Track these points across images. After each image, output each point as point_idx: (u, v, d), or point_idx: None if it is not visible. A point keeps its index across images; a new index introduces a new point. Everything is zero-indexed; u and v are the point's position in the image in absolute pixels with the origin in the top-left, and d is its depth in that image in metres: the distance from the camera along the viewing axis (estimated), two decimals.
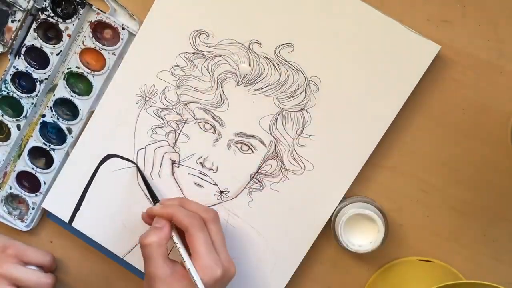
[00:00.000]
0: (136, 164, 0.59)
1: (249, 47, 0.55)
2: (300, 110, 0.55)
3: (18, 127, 0.62)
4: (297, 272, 0.58)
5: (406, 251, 0.57)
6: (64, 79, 0.60)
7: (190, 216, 0.52)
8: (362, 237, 0.54)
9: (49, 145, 0.62)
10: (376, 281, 0.58)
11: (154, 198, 0.57)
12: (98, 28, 0.59)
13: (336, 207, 0.56)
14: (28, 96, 0.61)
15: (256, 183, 0.58)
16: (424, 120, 0.55)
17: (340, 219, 0.53)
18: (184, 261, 0.50)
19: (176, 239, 0.52)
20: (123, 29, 0.58)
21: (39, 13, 0.59)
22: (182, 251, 0.51)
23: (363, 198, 0.57)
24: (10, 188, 0.64)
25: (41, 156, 0.63)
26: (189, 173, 0.58)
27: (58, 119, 0.61)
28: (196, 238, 0.50)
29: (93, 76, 0.60)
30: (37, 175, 0.63)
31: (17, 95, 0.61)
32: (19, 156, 0.63)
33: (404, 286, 0.58)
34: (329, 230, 0.58)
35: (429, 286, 0.47)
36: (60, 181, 0.61)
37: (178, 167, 0.59)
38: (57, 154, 0.62)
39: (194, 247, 0.50)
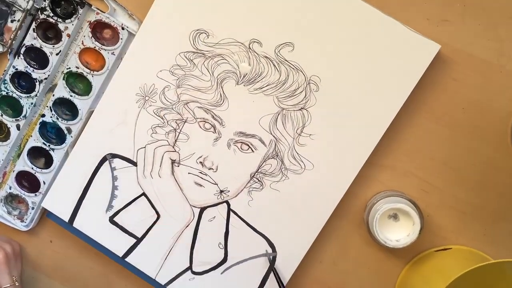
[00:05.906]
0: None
1: (249, 46, 0.55)
2: (300, 109, 0.55)
3: (18, 127, 0.62)
4: (297, 272, 0.58)
5: (407, 250, 0.57)
6: (63, 79, 0.60)
7: None
8: (396, 231, 0.52)
9: (49, 145, 0.62)
10: (407, 275, 0.58)
11: None
12: (98, 28, 0.59)
13: (367, 204, 0.55)
14: (27, 96, 0.61)
15: (256, 182, 0.58)
16: (424, 119, 0.55)
17: (373, 216, 0.52)
18: None
19: None
20: (123, 29, 0.58)
21: (39, 13, 0.59)
22: None
23: (393, 192, 0.56)
24: (10, 188, 0.64)
25: (40, 156, 0.63)
26: (189, 173, 0.58)
27: (57, 119, 0.61)
28: None
29: (92, 76, 0.60)
30: (37, 175, 0.63)
31: (17, 95, 0.61)
32: (18, 156, 0.63)
33: (438, 275, 0.55)
34: (328, 229, 0.58)
35: (456, 271, 0.45)
36: (60, 181, 0.61)
37: (178, 166, 0.59)
38: (57, 154, 0.62)
39: None
